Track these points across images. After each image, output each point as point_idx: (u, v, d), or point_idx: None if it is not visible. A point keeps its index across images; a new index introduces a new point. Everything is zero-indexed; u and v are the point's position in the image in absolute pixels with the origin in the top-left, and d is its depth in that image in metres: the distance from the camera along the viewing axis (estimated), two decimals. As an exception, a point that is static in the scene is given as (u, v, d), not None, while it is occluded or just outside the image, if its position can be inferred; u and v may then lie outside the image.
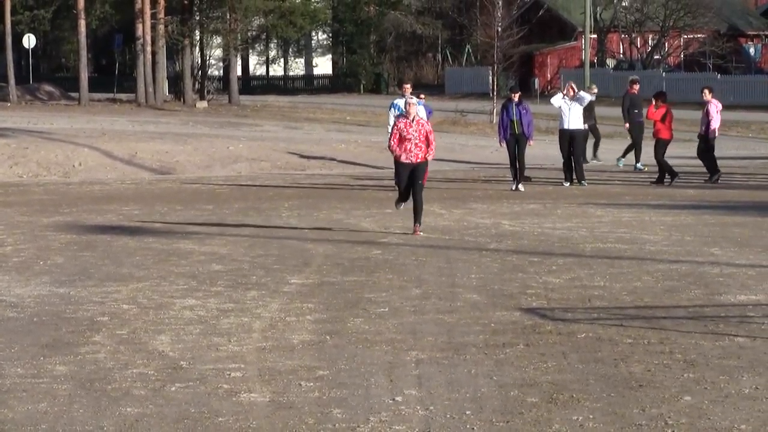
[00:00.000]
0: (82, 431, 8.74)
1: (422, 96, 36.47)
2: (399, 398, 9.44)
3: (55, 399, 9.61)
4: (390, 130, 21.23)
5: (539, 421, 8.91)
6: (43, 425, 8.90)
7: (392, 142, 20.04)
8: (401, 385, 9.79)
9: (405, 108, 20.86)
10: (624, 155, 33.70)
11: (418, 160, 19.91)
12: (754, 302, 13.55)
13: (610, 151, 35.72)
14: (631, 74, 57.05)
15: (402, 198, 20.49)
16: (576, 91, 29.20)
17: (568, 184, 28.38)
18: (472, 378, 10.21)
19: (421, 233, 19.45)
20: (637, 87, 33.97)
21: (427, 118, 32.33)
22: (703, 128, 29.31)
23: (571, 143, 28.52)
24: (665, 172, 28.78)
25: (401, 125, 20.01)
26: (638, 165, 32.78)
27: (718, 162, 29.67)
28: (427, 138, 19.95)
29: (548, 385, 9.94)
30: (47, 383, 10.11)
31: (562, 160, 29.15)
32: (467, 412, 9.14)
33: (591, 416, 9.00)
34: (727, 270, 15.74)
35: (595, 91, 36.25)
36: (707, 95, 29.86)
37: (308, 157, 36.88)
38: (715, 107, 29.39)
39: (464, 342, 11.59)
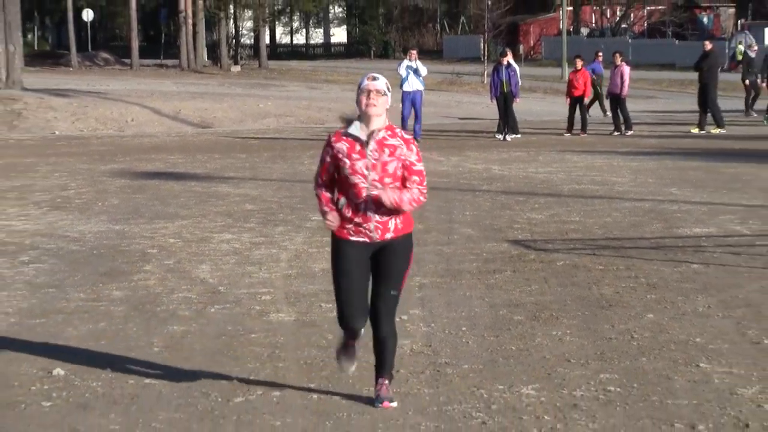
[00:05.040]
0: (136, 346, 8.77)
1: (599, 56, 34.44)
2: (405, 317, 9.44)
3: (113, 319, 9.65)
4: (320, 161, 7.14)
5: (524, 335, 8.93)
6: (103, 341, 8.94)
7: (321, 183, 7.15)
8: (406, 306, 9.80)
9: (360, 102, 6.91)
10: None
11: (383, 237, 7.04)
12: (707, 234, 13.55)
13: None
14: (609, 44, 56.95)
15: (349, 328, 7.15)
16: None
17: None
18: (466, 300, 10.23)
19: (393, 405, 7.15)
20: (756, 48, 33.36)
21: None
22: (616, 87, 28.62)
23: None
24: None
25: (341, 147, 6.97)
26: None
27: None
28: (404, 181, 7.01)
29: (532, 305, 9.96)
30: (105, 306, 10.15)
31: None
32: (463, 329, 9.16)
33: (568, 331, 9.02)
34: (684, 207, 15.73)
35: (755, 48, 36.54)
36: (618, 59, 29.15)
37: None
38: (627, 69, 29.08)
39: (460, 269, 11.60)
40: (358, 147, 6.90)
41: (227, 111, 36.92)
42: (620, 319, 9.41)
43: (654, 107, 37.76)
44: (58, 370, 8.11)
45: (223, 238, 13.71)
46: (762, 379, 7.68)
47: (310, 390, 7.55)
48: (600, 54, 34.85)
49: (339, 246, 7.09)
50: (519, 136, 27.99)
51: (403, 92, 26.78)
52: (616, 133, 28.53)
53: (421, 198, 7.02)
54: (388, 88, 6.93)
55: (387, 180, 6.90)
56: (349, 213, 6.97)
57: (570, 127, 28.88)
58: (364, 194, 6.89)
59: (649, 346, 8.56)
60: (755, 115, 32.94)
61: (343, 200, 6.98)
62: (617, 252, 12.50)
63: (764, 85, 32.14)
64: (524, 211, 15.63)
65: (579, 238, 13.46)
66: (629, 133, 28.45)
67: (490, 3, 64.58)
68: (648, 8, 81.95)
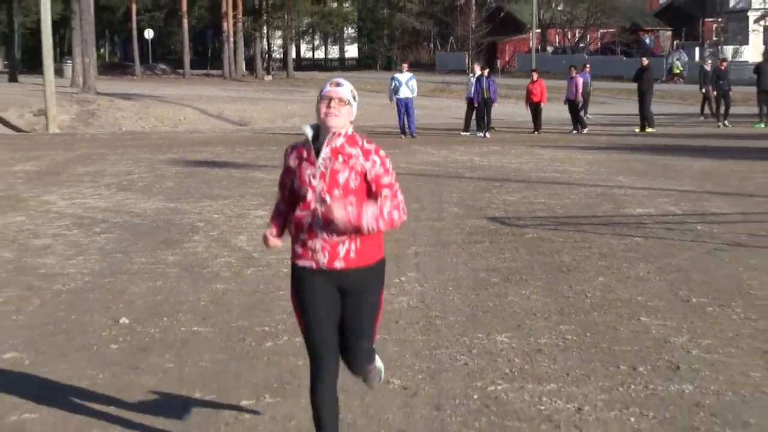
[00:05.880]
0: (186, 300, 8.78)
1: (587, 67, 32.36)
2: (403, 278, 9.45)
3: (167, 279, 9.66)
4: (279, 182, 5.02)
5: (499, 294, 8.93)
6: (159, 296, 8.95)
7: (278, 210, 4.97)
8: (405, 270, 9.81)
9: (319, 111, 4.71)
10: (725, 116, 30.54)
11: (332, 264, 4.66)
12: (648, 213, 13.54)
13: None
14: (569, 60, 56.75)
15: (318, 374, 4.70)
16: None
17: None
18: (453, 265, 10.23)
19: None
20: (725, 65, 31.49)
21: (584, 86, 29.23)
22: (572, 95, 28.68)
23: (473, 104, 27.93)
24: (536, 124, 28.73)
25: (293, 156, 4.84)
26: (725, 122, 30.29)
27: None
28: (369, 196, 4.70)
29: (505, 269, 9.96)
30: (162, 268, 10.16)
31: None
32: (450, 288, 9.17)
33: (534, 291, 9.03)
34: (629, 191, 15.73)
35: (709, 62, 34.71)
36: (573, 72, 29.27)
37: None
38: (581, 80, 29.16)
39: (448, 240, 11.60)
40: (306, 154, 4.76)
41: (261, 112, 36.89)
42: (576, 281, 9.41)
43: (605, 111, 37.66)
44: (124, 319, 8.14)
45: (257, 214, 13.70)
46: (690, 330, 7.69)
47: (326, 337, 7.55)
48: (588, 66, 34.50)
49: (292, 274, 4.83)
50: (494, 128, 28.13)
51: (398, 99, 27.07)
52: (574, 132, 28.50)
53: (395, 214, 4.70)
54: (353, 97, 4.78)
55: (336, 192, 4.64)
56: (293, 229, 4.76)
57: (537, 128, 28.84)
58: (312, 207, 4.68)
59: (599, 303, 8.57)
60: (701, 119, 32.67)
61: (289, 216, 4.85)
62: (575, 227, 12.50)
63: (715, 93, 31.54)
64: (500, 194, 15.62)
65: (544, 215, 13.46)
66: (584, 131, 28.41)
67: (473, 26, 64.75)
68: (601, 31, 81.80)
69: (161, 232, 12.30)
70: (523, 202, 14.69)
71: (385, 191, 4.71)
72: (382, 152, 4.77)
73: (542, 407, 6.05)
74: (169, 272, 9.97)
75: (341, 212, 4.55)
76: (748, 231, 12.00)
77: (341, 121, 4.70)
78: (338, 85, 4.74)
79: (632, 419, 5.85)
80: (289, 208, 4.85)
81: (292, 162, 4.81)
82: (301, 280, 4.75)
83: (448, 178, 17.80)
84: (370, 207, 4.63)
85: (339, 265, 4.66)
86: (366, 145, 4.74)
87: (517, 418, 5.88)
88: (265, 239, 4.87)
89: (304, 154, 4.76)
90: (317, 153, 4.72)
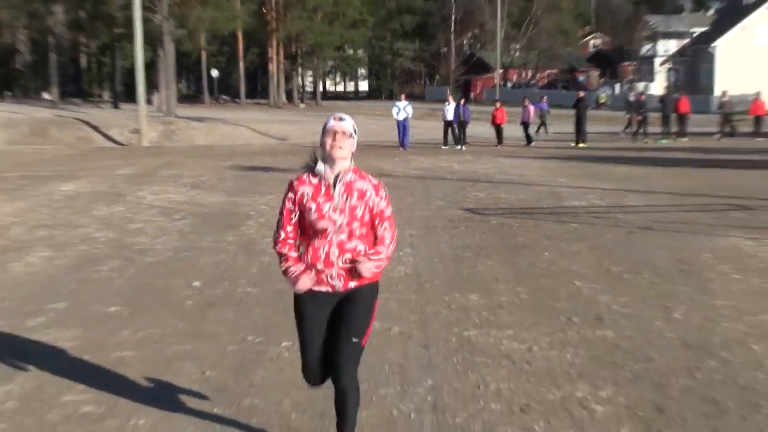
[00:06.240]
0: (242, 269, 8.80)
1: (544, 99, 33.02)
2: (401, 253, 9.47)
3: (228, 254, 9.68)
4: (282, 210, 4.02)
5: (471, 265, 8.95)
6: (222, 266, 8.97)
7: (285, 237, 4.01)
8: (402, 247, 9.81)
9: (324, 144, 3.94)
10: (646, 134, 29.85)
11: (346, 286, 3.97)
12: (582, 205, 13.53)
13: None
14: (523, 92, 56.52)
15: (311, 378, 4.06)
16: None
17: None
18: (437, 244, 10.24)
19: None
20: (644, 97, 30.97)
21: (533, 113, 29.60)
22: (526, 118, 28.93)
23: (451, 125, 27.62)
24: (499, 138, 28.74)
25: (305, 190, 3.96)
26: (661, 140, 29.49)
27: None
28: (372, 227, 3.98)
29: (476, 247, 9.97)
30: (223, 246, 10.18)
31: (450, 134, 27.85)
32: (435, 261, 9.18)
33: (497, 263, 9.04)
34: (568, 190, 15.70)
35: (632, 93, 33.03)
36: (526, 102, 29.46)
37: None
38: (533, 108, 29.65)
39: (434, 225, 11.61)
40: (323, 189, 3.95)
41: (297, 131, 36.85)
42: (528, 256, 9.42)
43: (550, 131, 37.49)
44: (196, 283, 8.16)
45: (294, 206, 13.69)
46: (611, 292, 7.70)
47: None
48: (545, 97, 34.33)
49: (300, 301, 4.10)
50: (468, 143, 28.13)
51: (397, 121, 27.24)
52: (527, 145, 28.47)
53: (392, 246, 4.03)
54: (354, 131, 4.00)
55: (354, 225, 3.93)
56: (310, 259, 3.97)
57: (499, 142, 28.82)
58: (328, 238, 3.93)
59: (545, 272, 8.58)
60: (621, 135, 32.44)
61: (302, 248, 4.03)
62: (528, 216, 12.49)
63: (639, 118, 30.63)
64: (472, 191, 15.61)
65: (505, 207, 13.45)
66: (532, 144, 28.43)
67: (453, 67, 64.47)
68: (547, 71, 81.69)
69: (224, 219, 12.32)
70: (490, 197, 14.69)
71: (386, 224, 4.01)
72: (384, 187, 4.11)
73: (502, 347, 6.07)
74: (230, 248, 9.99)
75: (369, 272, 3.94)
76: (654, 219, 12.00)
77: (345, 152, 3.94)
78: (341, 119, 3.97)
79: (568, 356, 5.88)
80: (295, 247, 4.05)
81: (306, 194, 3.95)
82: (303, 307, 4.05)
83: (434, 179, 17.79)
84: (382, 252, 4.00)
85: (353, 284, 3.98)
86: (374, 181, 4.05)
87: (484, 355, 5.90)
88: (301, 285, 3.94)
89: (322, 190, 3.95)
90: (331, 186, 3.96)
